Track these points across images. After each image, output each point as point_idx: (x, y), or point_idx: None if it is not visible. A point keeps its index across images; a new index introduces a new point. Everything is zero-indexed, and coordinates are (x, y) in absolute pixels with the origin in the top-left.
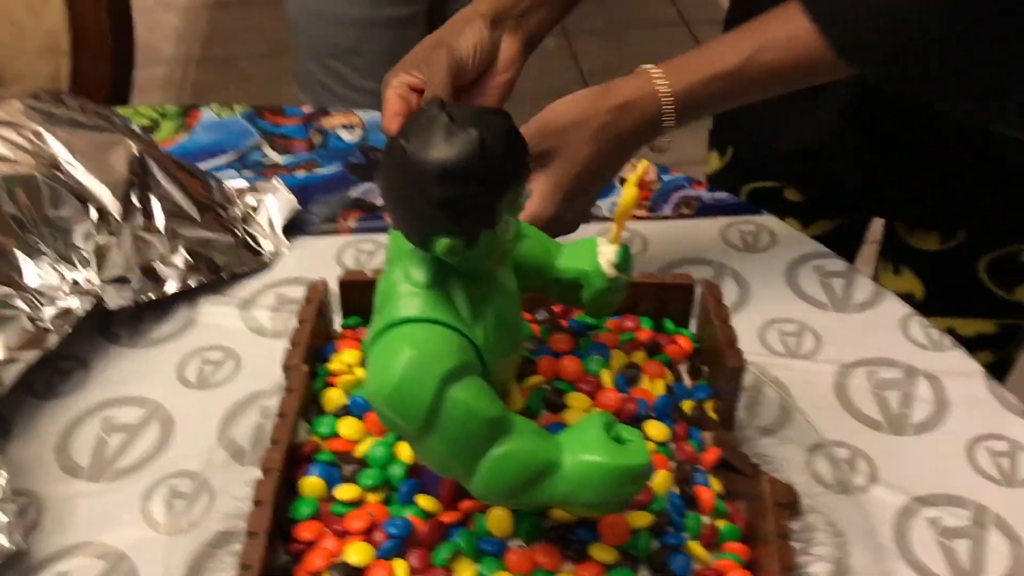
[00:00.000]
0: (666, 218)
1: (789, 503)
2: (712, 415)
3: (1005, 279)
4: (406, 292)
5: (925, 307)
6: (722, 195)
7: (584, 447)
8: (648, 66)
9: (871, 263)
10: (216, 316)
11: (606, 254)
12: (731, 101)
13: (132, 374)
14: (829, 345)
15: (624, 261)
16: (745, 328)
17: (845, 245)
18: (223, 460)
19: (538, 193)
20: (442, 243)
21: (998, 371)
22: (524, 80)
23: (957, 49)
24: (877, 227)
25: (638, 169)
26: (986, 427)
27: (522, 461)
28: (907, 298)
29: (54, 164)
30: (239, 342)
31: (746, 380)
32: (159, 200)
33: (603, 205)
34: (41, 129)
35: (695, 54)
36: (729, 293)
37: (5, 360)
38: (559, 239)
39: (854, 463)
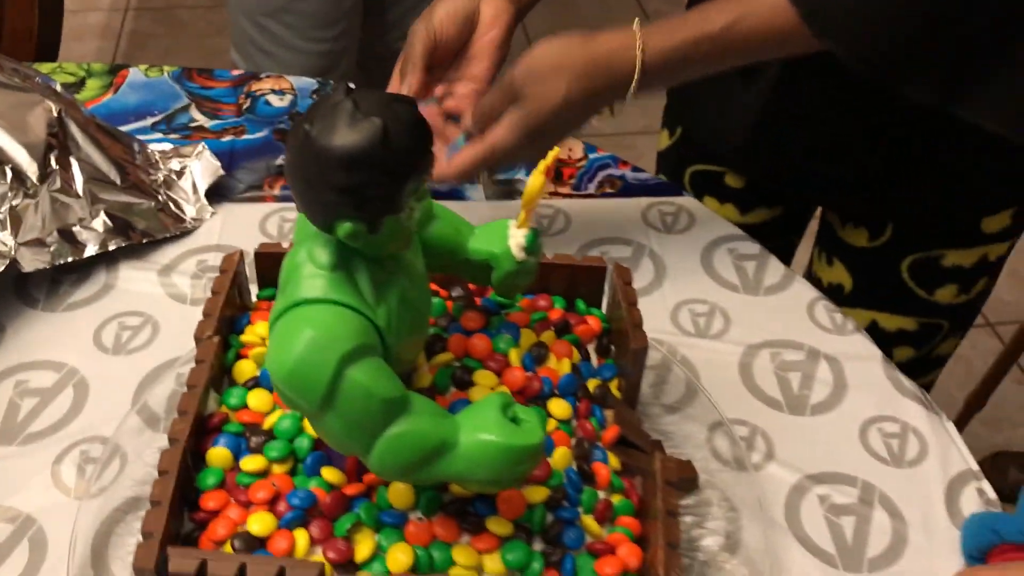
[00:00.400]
0: (589, 196)
1: (687, 479)
2: (616, 393)
3: (926, 280)
4: (309, 273)
5: (853, 299)
6: (645, 175)
7: (480, 427)
8: (636, 24)
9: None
10: (135, 281)
11: (516, 237)
12: (708, 66)
13: (47, 338)
14: (737, 326)
15: (533, 245)
16: (658, 308)
17: (783, 235)
18: (137, 426)
19: (504, 125)
20: (344, 227)
21: (918, 367)
22: None
23: (929, 27)
24: (815, 219)
25: (547, 157)
26: (880, 409)
27: (418, 440)
28: (837, 288)
29: None
30: (158, 308)
31: (654, 359)
32: (78, 162)
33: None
34: None
35: (680, 18)
36: (645, 273)
37: None
38: (480, 211)
39: (752, 441)
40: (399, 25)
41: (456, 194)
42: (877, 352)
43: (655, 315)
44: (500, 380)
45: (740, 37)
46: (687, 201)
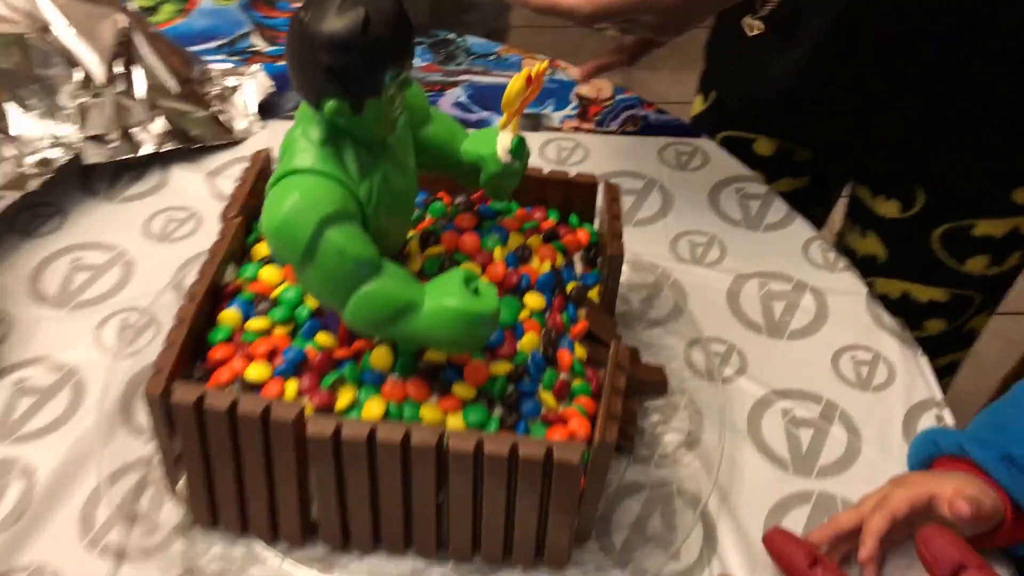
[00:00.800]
0: (611, 133)
1: (658, 382)
2: (594, 298)
3: (957, 251)
4: (302, 147)
5: (886, 269)
6: (667, 117)
7: (443, 293)
8: None
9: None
10: (185, 181)
11: (502, 141)
12: None
13: (104, 224)
14: (732, 257)
15: (517, 149)
16: (660, 237)
17: (807, 206)
18: (171, 300)
19: None
20: (330, 105)
21: (949, 341)
22: None
23: None
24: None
25: (537, 65)
26: (856, 339)
27: (386, 299)
28: (871, 260)
29: (45, 28)
30: (203, 206)
31: (647, 280)
32: (142, 71)
33: (555, 117)
34: None
35: None
36: (652, 204)
37: None
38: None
39: (727, 358)
40: None
41: (485, 124)
42: (863, 289)
43: (655, 242)
44: (483, 273)
45: None
46: (705, 143)
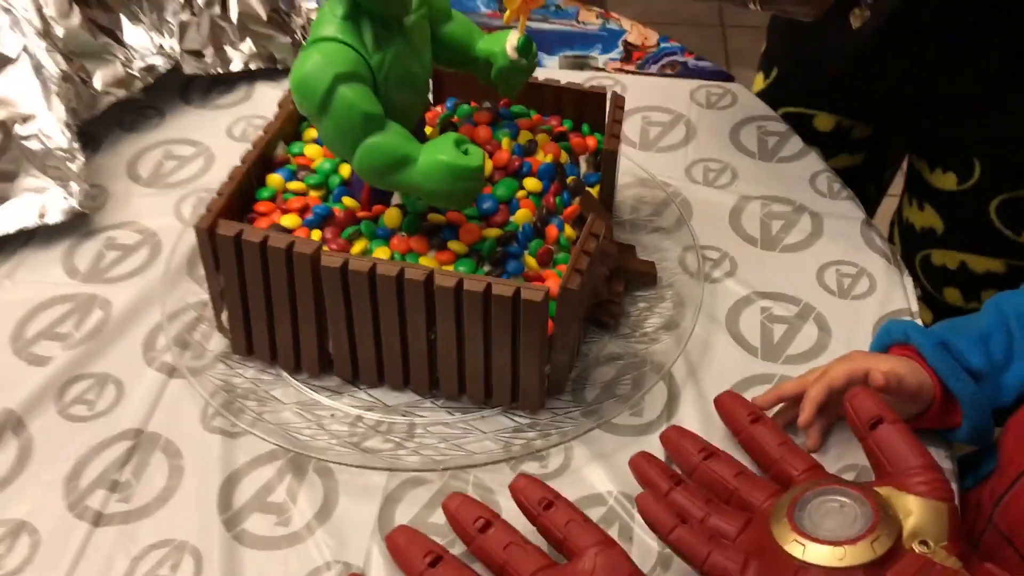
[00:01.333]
0: (649, 75)
1: (647, 274)
2: (593, 194)
3: (1014, 221)
4: (327, 20)
5: (944, 241)
6: (706, 63)
7: (436, 150)
8: None
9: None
10: (268, 95)
11: (511, 40)
12: None
13: (194, 125)
14: (741, 182)
15: (524, 47)
16: (677, 162)
17: (863, 183)
18: None
19: None
20: None
21: None
22: None
23: None
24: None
25: None
26: (844, 256)
27: (386, 151)
28: (930, 232)
29: None
30: None
31: (657, 196)
32: None
33: (600, 59)
34: None
35: None
36: (675, 135)
37: (101, 92)
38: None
39: (719, 263)
40: None
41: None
42: (862, 215)
43: (672, 166)
44: (490, 158)
45: None
46: (737, 87)
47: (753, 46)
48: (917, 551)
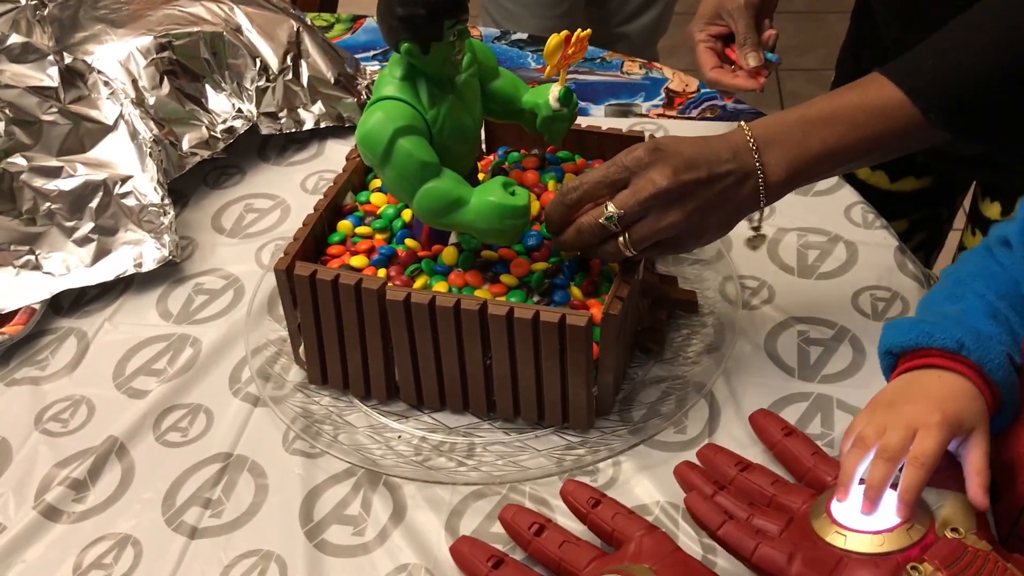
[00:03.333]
0: (690, 119)
1: (690, 302)
2: None
3: None
4: (387, 81)
5: None
6: (744, 106)
7: (485, 192)
8: (749, 136)
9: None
10: (337, 151)
11: (552, 91)
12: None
13: (272, 181)
14: (779, 215)
15: (565, 98)
16: None
17: (930, 206)
18: None
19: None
20: (404, 46)
21: None
22: None
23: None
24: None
25: (578, 31)
26: (878, 281)
27: (442, 194)
28: None
29: (237, 28)
30: None
31: None
32: (306, 65)
33: (643, 106)
34: (234, 4)
35: (800, 139)
36: None
37: (188, 152)
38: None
39: (757, 291)
40: (619, 12)
41: (582, 111)
42: (896, 243)
43: None
44: (538, 199)
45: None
46: None
47: (805, 89)
48: (950, 537)
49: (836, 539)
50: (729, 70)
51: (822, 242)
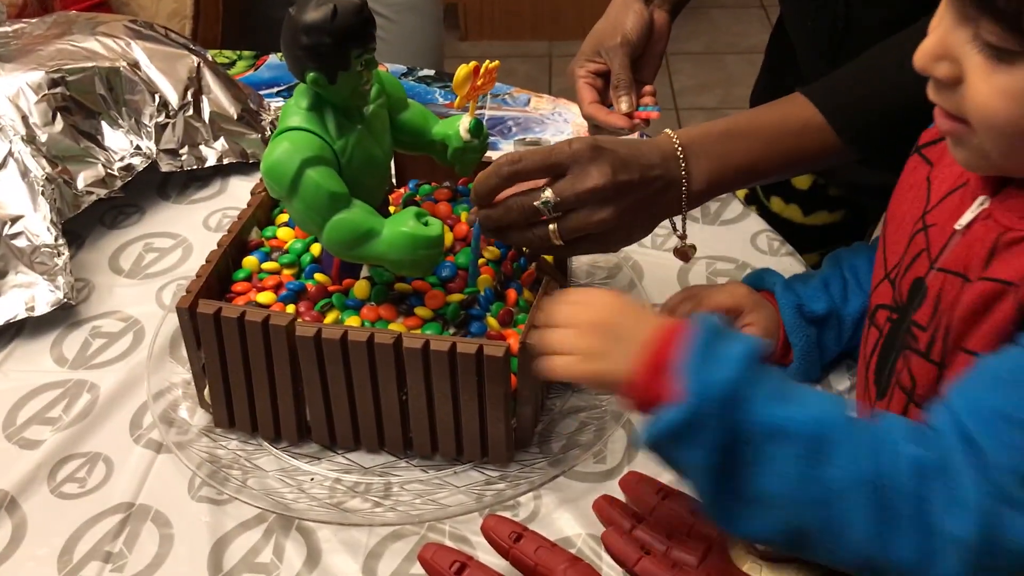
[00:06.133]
0: None
1: None
2: (548, 260)
3: None
4: (293, 111)
5: None
6: None
7: (398, 223)
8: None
9: None
10: (241, 187)
11: (463, 123)
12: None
13: (173, 220)
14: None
15: (476, 129)
16: None
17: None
18: None
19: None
20: (310, 76)
21: None
22: None
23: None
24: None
25: (487, 62)
26: None
27: (352, 225)
28: None
29: (135, 64)
30: None
31: (610, 261)
32: (208, 100)
33: (551, 140)
34: (131, 40)
35: (723, 152)
36: None
37: (84, 191)
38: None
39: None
40: None
41: (492, 145)
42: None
43: None
44: (451, 230)
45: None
46: None
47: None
48: None
49: (752, 570)
50: (606, 108)
51: (730, 269)
